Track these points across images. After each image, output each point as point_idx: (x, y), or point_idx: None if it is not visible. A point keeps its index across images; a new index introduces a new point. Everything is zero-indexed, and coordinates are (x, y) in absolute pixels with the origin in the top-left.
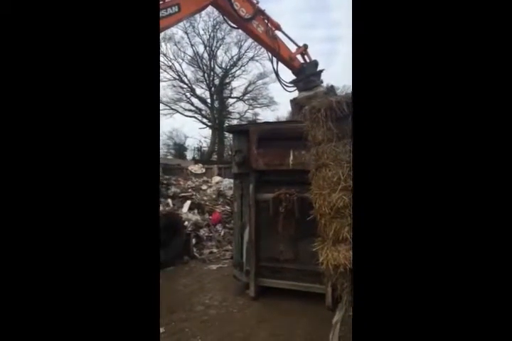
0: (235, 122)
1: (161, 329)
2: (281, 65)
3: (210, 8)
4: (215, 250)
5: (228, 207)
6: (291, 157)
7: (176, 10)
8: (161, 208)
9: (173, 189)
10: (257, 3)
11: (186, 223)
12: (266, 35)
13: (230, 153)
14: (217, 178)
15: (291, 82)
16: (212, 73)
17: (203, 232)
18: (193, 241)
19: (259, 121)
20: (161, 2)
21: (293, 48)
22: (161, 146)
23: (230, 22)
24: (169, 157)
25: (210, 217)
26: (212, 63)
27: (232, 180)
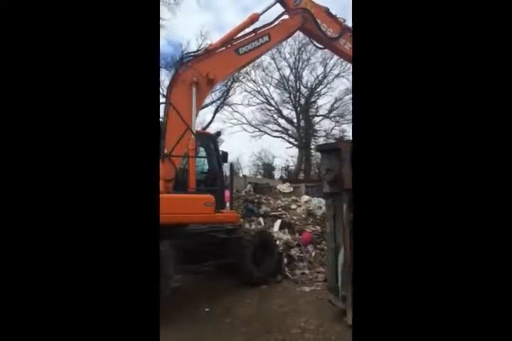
0: (321, 140)
1: None
2: None
3: (296, 33)
4: (307, 271)
5: (319, 227)
6: None
7: (267, 39)
8: (253, 226)
9: (263, 208)
10: (344, 21)
11: (278, 242)
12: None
13: (316, 171)
14: (306, 197)
15: None
16: (298, 94)
17: (294, 252)
18: (285, 260)
19: (346, 138)
20: (252, 34)
21: None
22: (250, 166)
23: (316, 43)
24: (258, 177)
25: (301, 237)
26: (297, 84)
27: (321, 199)
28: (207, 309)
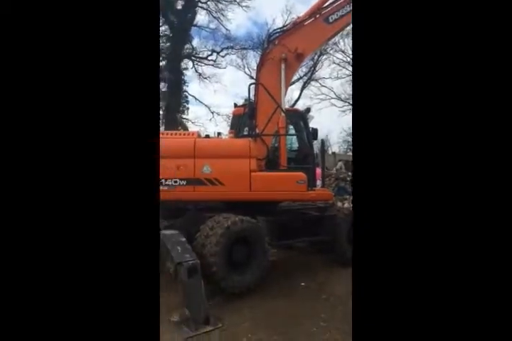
0: None
1: None
2: None
3: None
4: None
5: None
6: None
7: None
8: (345, 205)
9: None
10: None
11: None
12: None
13: None
14: None
15: None
16: None
17: None
18: None
19: None
20: (341, 0)
21: None
22: (340, 143)
23: None
24: (349, 154)
25: None
26: None
27: None
28: (303, 283)
